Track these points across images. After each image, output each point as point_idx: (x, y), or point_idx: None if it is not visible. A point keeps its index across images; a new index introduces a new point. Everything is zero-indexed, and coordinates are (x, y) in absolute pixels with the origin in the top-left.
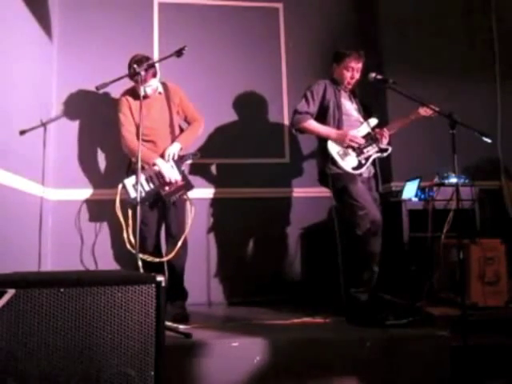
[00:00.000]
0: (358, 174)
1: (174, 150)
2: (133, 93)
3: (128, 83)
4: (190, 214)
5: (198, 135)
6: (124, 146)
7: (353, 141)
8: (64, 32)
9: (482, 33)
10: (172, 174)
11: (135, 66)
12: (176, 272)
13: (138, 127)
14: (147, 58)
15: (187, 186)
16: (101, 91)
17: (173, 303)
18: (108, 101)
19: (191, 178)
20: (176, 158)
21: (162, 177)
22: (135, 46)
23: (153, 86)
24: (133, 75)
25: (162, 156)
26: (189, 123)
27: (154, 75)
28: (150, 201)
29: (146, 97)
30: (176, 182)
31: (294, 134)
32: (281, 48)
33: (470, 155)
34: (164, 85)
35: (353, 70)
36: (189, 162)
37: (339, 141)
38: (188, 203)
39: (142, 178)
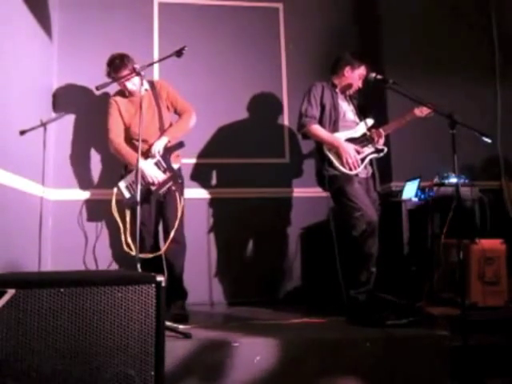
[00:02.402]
0: (354, 175)
1: (160, 144)
2: (121, 93)
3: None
4: (180, 204)
5: (189, 126)
6: (112, 149)
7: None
8: (64, 32)
9: (482, 33)
10: (155, 173)
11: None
12: (175, 272)
13: (128, 128)
14: (123, 56)
15: (174, 177)
16: (101, 91)
17: (173, 303)
18: (108, 101)
19: (191, 178)
20: (161, 152)
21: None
22: (135, 46)
23: (134, 81)
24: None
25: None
26: (180, 115)
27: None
28: (142, 198)
29: (132, 94)
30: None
31: (293, 134)
32: (281, 48)
33: (470, 155)
34: (150, 82)
35: (360, 79)
36: (176, 152)
37: (339, 152)
38: (177, 194)
39: (132, 178)
